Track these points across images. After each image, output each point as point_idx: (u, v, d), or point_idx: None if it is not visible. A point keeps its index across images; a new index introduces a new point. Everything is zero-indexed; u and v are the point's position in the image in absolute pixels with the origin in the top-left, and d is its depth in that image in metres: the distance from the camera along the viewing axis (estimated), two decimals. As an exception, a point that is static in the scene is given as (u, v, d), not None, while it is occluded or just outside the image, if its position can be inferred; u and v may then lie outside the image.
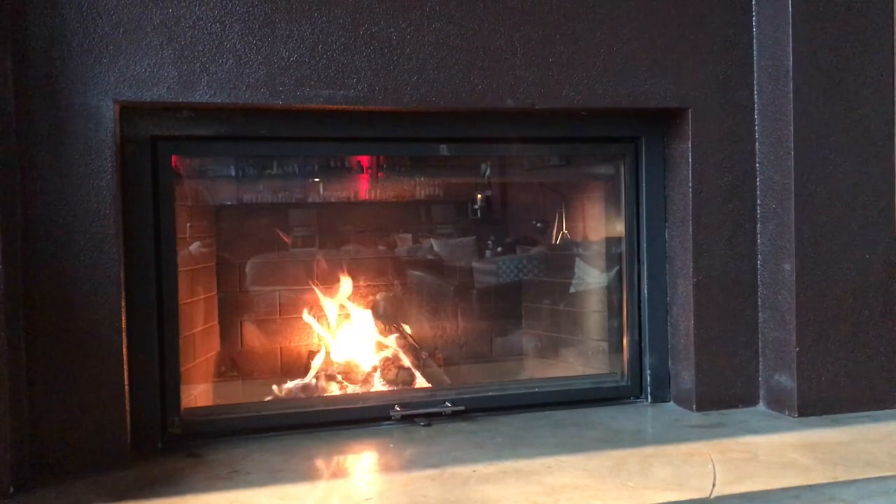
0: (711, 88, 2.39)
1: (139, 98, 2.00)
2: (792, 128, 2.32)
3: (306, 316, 2.74)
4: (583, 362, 2.87)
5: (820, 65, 2.33)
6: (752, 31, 2.42)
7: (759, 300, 2.45)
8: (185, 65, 2.02)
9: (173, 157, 2.19)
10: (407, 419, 2.32)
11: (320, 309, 2.76)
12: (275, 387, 2.54)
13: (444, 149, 2.43)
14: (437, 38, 2.18)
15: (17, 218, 1.91)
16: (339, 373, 2.58)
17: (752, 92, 2.43)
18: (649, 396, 2.53)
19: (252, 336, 2.83)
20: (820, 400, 2.35)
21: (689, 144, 2.39)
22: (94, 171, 1.96)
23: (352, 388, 2.54)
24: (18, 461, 1.88)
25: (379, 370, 2.59)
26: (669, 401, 2.53)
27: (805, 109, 2.32)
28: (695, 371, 2.42)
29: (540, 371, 3.00)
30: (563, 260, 3.00)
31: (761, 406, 2.45)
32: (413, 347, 2.71)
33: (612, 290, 2.67)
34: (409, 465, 1.99)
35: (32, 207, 1.93)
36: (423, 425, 2.30)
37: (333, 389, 2.53)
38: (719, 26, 2.40)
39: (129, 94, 1.99)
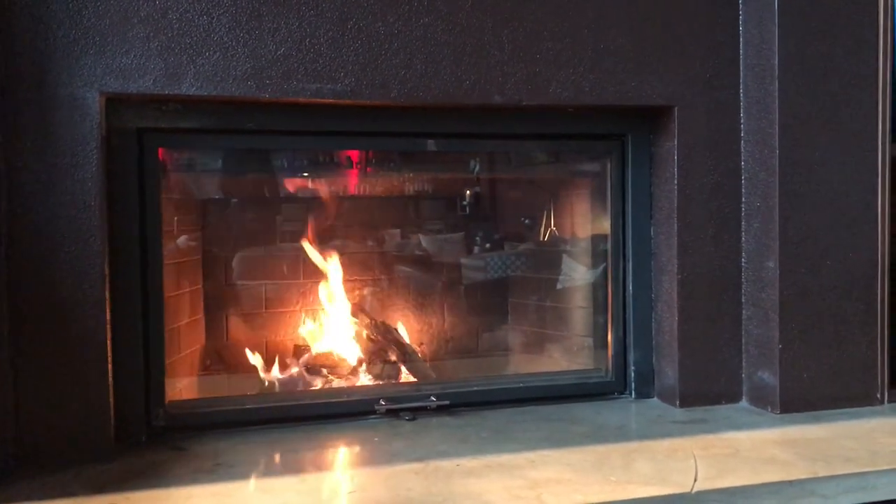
0: (697, 87, 2.41)
1: (125, 90, 2.00)
2: (777, 126, 2.33)
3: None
4: (568, 358, 2.88)
5: (806, 64, 2.34)
6: (739, 30, 2.43)
7: (743, 297, 2.47)
8: (172, 57, 2.02)
9: (160, 150, 2.18)
10: (392, 413, 2.33)
11: (307, 303, 2.77)
12: (262, 375, 2.54)
13: (431, 144, 2.44)
14: (425, 33, 2.18)
15: (1, 209, 1.91)
16: (324, 366, 2.58)
17: (738, 90, 2.44)
18: (633, 392, 2.55)
19: (237, 329, 2.83)
20: (802, 397, 2.37)
21: (675, 142, 2.40)
22: (80, 162, 1.95)
23: (337, 382, 2.55)
24: (1, 453, 1.87)
25: (364, 364, 2.60)
26: (653, 397, 2.55)
27: (790, 108, 2.33)
28: (678, 367, 2.43)
29: (525, 366, 3.01)
30: (550, 256, 3.01)
31: (744, 402, 2.47)
32: (399, 342, 2.71)
33: (598, 286, 2.68)
34: (393, 459, 2.00)
35: (16, 199, 1.92)
36: (407, 419, 2.31)
37: (319, 383, 2.53)
38: (706, 24, 2.41)
39: (115, 85, 1.98)
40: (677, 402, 2.44)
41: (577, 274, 2.87)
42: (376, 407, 2.32)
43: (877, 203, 2.42)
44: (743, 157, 2.44)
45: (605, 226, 2.58)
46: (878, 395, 2.44)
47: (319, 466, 2.02)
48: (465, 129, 2.41)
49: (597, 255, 2.71)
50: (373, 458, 2.04)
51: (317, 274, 2.79)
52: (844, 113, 2.38)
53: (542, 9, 2.27)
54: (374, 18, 2.15)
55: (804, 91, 2.34)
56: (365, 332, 2.70)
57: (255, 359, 2.62)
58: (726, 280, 2.46)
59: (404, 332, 2.83)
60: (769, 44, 2.34)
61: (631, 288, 2.54)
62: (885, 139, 2.42)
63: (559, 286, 2.95)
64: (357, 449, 2.13)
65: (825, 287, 2.39)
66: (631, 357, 2.55)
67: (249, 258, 2.87)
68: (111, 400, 2.01)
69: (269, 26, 2.08)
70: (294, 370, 2.57)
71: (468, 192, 3.11)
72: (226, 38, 2.05)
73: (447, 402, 2.37)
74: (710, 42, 2.41)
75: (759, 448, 2.05)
